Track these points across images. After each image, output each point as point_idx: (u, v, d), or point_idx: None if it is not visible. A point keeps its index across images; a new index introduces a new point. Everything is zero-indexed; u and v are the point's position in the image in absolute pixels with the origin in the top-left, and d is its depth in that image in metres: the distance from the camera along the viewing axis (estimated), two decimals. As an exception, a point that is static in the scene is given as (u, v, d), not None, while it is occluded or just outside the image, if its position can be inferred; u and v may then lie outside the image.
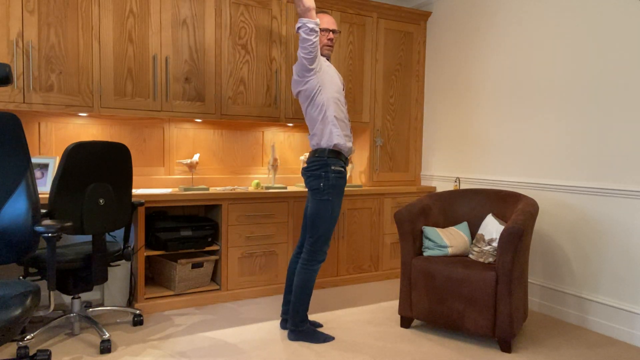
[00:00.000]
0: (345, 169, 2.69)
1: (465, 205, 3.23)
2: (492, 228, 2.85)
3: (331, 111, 2.63)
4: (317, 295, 3.55)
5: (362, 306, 3.31)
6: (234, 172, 3.83)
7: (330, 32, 2.73)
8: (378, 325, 2.94)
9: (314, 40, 2.51)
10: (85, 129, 3.30)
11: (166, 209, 3.53)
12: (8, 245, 1.83)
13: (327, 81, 2.65)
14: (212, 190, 3.40)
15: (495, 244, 2.76)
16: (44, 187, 2.99)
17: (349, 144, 2.70)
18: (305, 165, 2.72)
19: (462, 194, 3.27)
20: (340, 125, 2.66)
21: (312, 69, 2.59)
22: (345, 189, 3.80)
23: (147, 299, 3.13)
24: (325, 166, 2.61)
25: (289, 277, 2.85)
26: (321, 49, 2.75)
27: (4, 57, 2.80)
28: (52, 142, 3.20)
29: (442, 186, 4.17)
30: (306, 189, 2.88)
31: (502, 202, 3.09)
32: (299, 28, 2.53)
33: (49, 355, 2.17)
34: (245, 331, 2.81)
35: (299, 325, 2.67)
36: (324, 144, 2.63)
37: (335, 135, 2.63)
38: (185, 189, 3.27)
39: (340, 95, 2.71)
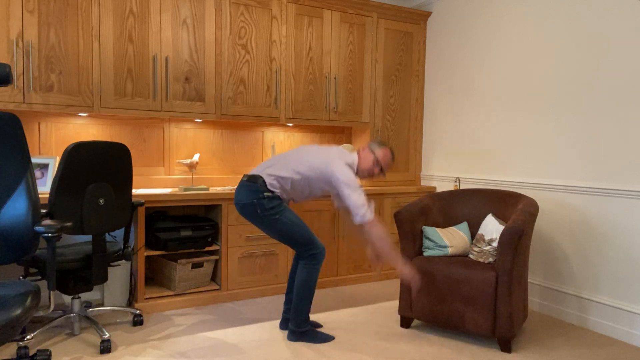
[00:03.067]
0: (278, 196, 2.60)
1: (465, 205, 3.23)
2: (492, 228, 2.85)
3: (300, 182, 2.59)
4: (317, 295, 3.55)
5: (362, 306, 3.31)
6: (234, 172, 3.83)
7: (380, 170, 2.68)
8: (378, 325, 2.94)
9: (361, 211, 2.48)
10: (85, 129, 3.30)
11: (166, 209, 3.53)
12: (8, 245, 1.83)
13: (320, 185, 2.61)
14: (212, 190, 3.40)
15: (495, 244, 2.76)
16: (44, 187, 2.99)
17: (276, 190, 2.60)
18: (235, 192, 2.63)
19: (462, 194, 3.27)
20: (286, 187, 2.59)
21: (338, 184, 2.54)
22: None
23: (147, 299, 3.13)
24: (256, 192, 2.54)
25: (291, 277, 2.85)
26: (363, 171, 2.69)
27: (4, 57, 2.80)
28: (52, 142, 3.20)
29: (442, 186, 4.17)
30: None
31: (502, 202, 3.09)
32: (365, 214, 2.47)
33: (49, 355, 2.17)
34: (245, 331, 2.81)
35: (301, 326, 2.67)
36: (265, 175, 2.57)
37: (280, 183, 2.57)
38: (185, 189, 3.27)
39: (311, 193, 2.65)
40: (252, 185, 2.57)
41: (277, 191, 2.58)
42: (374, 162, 2.67)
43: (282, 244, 3.52)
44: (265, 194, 2.54)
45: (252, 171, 2.67)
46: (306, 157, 2.63)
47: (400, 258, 2.55)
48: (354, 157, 2.67)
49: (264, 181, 2.57)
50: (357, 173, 2.68)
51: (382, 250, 2.50)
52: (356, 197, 2.48)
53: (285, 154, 2.70)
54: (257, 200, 2.53)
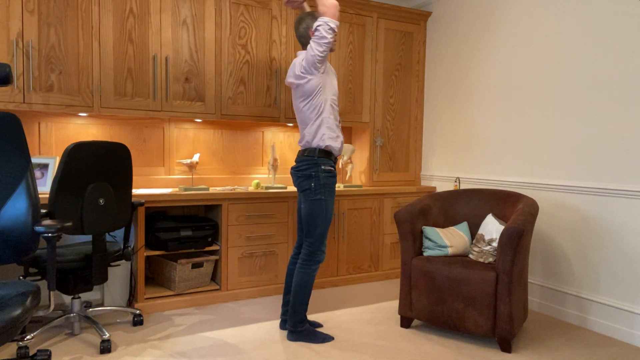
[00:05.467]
0: (335, 168, 2.70)
1: (465, 205, 3.23)
2: (492, 228, 2.85)
3: (327, 113, 2.64)
4: (317, 295, 3.55)
5: (362, 306, 3.31)
6: (234, 172, 3.83)
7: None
8: (378, 325, 2.94)
9: (331, 40, 2.53)
10: (85, 129, 3.30)
11: (166, 209, 3.53)
12: (8, 245, 1.83)
13: (328, 83, 2.65)
14: (212, 190, 3.40)
15: (495, 244, 2.76)
16: (44, 187, 2.99)
17: (340, 145, 2.71)
18: (294, 164, 2.73)
19: (462, 194, 3.27)
20: (333, 127, 2.67)
21: (320, 68, 2.59)
22: (345, 189, 3.80)
23: (147, 299, 3.13)
24: (315, 165, 2.62)
25: (288, 278, 2.85)
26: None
27: (4, 57, 2.80)
28: (52, 142, 3.20)
29: (442, 186, 4.17)
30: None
31: (502, 202, 3.09)
32: (318, 25, 2.52)
33: (49, 355, 2.17)
34: (245, 331, 2.81)
35: (298, 326, 2.67)
36: (315, 143, 2.64)
37: (328, 137, 2.63)
38: (185, 189, 3.27)
39: (336, 97, 2.72)
40: (311, 158, 2.63)
41: (332, 144, 2.63)
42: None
43: (281, 243, 3.52)
44: (323, 166, 2.62)
45: (302, 145, 2.71)
46: (302, 90, 2.64)
47: None
48: (302, 53, 2.71)
49: (318, 150, 2.63)
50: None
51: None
52: (319, 39, 2.53)
53: (300, 112, 2.70)
54: (316, 173, 2.61)
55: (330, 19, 2.51)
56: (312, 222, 2.64)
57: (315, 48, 2.53)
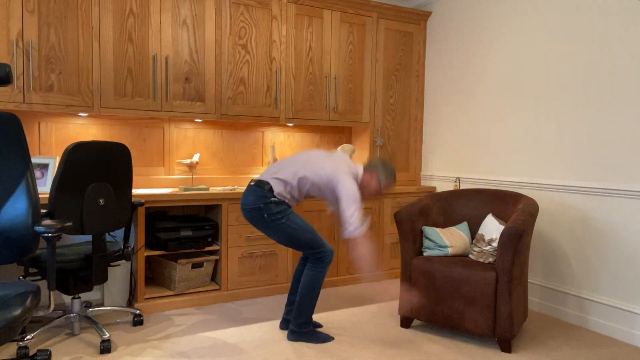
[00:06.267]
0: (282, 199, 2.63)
1: (465, 205, 3.23)
2: (492, 228, 2.85)
3: (301, 185, 2.61)
4: (317, 295, 3.55)
5: (362, 306, 3.31)
6: (234, 172, 3.84)
7: (379, 194, 2.73)
8: (378, 325, 2.94)
9: (353, 234, 2.49)
10: (85, 129, 3.30)
11: (166, 209, 3.53)
12: (8, 245, 1.83)
13: (331, 187, 2.61)
14: (212, 190, 3.40)
15: (495, 244, 2.76)
16: (44, 187, 2.99)
17: (287, 199, 2.64)
18: (242, 197, 2.63)
19: (462, 194, 3.27)
20: (296, 194, 2.63)
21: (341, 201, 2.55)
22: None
23: (147, 299, 3.13)
24: (263, 198, 2.54)
25: (295, 279, 2.84)
26: (362, 191, 2.72)
27: (4, 57, 2.80)
28: (52, 142, 3.20)
29: (442, 186, 4.17)
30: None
31: (502, 202, 3.09)
32: (354, 229, 2.48)
33: (49, 355, 2.17)
34: (245, 331, 2.81)
35: (302, 327, 2.66)
36: (272, 182, 2.57)
37: (286, 190, 2.59)
38: (185, 189, 3.27)
39: (313, 193, 2.68)
40: (260, 190, 2.56)
41: (284, 196, 2.59)
42: (377, 190, 2.70)
43: (282, 244, 3.52)
44: (272, 199, 2.54)
45: (260, 176, 2.67)
46: (314, 164, 2.63)
47: (374, 273, 2.52)
48: (359, 171, 2.69)
49: (271, 187, 2.57)
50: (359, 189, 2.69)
51: (360, 268, 2.47)
52: (351, 213, 2.48)
53: (293, 159, 2.69)
54: (264, 205, 2.53)
55: (357, 249, 2.47)
56: (296, 241, 2.59)
57: (349, 215, 2.48)
